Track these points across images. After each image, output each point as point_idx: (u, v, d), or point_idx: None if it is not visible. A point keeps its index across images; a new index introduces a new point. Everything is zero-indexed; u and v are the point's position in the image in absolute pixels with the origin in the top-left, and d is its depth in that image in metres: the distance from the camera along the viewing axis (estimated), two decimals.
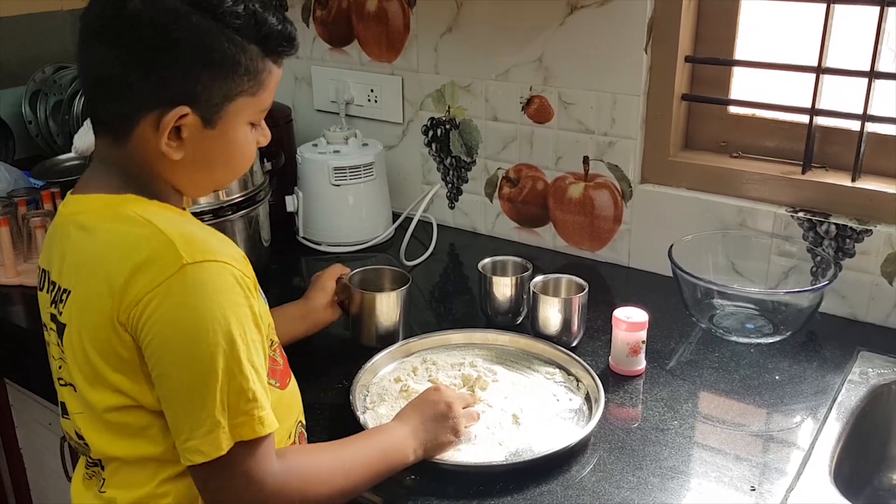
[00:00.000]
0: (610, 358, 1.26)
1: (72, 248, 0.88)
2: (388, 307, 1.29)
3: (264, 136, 0.95)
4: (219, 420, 0.80)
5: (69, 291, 0.86)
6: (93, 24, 0.84)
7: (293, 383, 1.01)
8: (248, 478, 0.83)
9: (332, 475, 0.91)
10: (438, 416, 1.03)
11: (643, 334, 1.22)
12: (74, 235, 0.87)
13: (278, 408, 0.91)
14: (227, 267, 0.82)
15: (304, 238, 1.74)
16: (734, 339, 1.33)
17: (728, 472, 1.03)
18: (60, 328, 0.88)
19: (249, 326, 0.83)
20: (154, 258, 0.80)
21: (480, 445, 1.06)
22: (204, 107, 0.85)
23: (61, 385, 0.93)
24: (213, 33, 0.82)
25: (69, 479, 1.50)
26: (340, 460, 0.93)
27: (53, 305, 0.89)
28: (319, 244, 1.72)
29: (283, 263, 1.68)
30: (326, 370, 1.26)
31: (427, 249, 1.70)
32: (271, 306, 0.99)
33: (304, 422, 1.03)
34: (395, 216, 1.79)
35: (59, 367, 0.91)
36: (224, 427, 0.80)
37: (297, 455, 0.91)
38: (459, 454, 1.04)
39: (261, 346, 0.86)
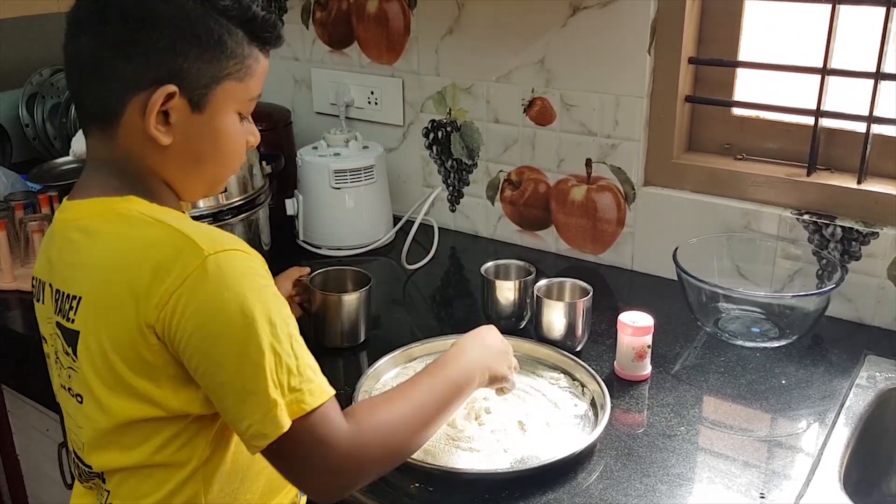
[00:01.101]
0: (615, 363, 1.24)
1: (77, 253, 0.85)
2: (348, 308, 1.30)
3: (253, 136, 0.94)
4: (275, 399, 0.79)
5: (79, 298, 0.84)
6: (77, 17, 0.85)
7: None
8: (322, 443, 0.82)
9: (406, 420, 0.90)
10: (500, 350, 1.07)
11: (649, 339, 1.21)
12: (79, 241, 0.85)
13: None
14: (248, 255, 0.82)
15: (304, 242, 1.73)
16: (740, 343, 1.31)
17: (736, 479, 1.02)
18: (72, 336, 0.86)
19: (281, 305, 0.83)
20: (175, 256, 0.79)
21: (485, 452, 1.04)
22: (191, 88, 0.84)
23: (71, 394, 0.90)
24: (199, 13, 0.83)
25: (66, 485, 1.48)
26: (412, 404, 0.92)
27: (60, 314, 0.87)
28: (320, 248, 1.71)
29: (282, 267, 1.65)
30: (328, 377, 1.24)
31: (428, 253, 1.68)
32: None
33: None
34: (396, 219, 1.78)
35: (69, 377, 0.88)
36: (281, 405, 0.79)
37: (366, 411, 0.89)
38: (464, 461, 1.03)
39: (292, 321, 0.85)
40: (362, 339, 1.33)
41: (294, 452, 0.82)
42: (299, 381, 0.81)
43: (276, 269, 1.68)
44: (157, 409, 0.83)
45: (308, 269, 1.35)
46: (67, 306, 0.86)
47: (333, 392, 0.85)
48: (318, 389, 0.83)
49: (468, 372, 1.00)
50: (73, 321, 0.85)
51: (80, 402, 0.87)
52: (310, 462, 0.82)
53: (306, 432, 0.81)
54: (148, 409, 0.83)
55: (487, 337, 1.08)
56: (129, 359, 0.81)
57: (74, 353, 0.86)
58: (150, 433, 0.84)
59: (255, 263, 0.82)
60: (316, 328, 1.31)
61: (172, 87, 0.82)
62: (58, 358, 0.90)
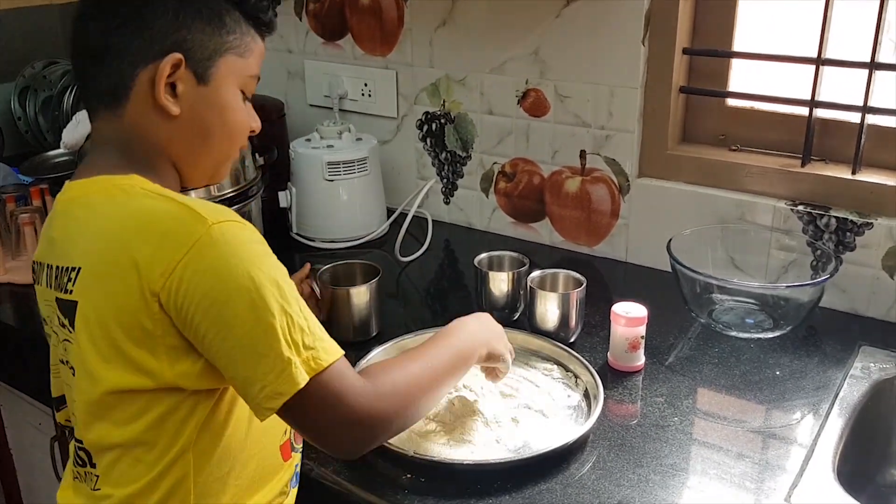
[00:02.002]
0: (608, 354, 1.24)
1: (78, 226, 0.87)
2: (358, 302, 1.29)
3: (255, 120, 0.98)
4: (289, 357, 0.80)
5: (79, 268, 0.85)
6: (83, 8, 0.89)
7: None
8: (339, 396, 0.83)
9: (419, 380, 0.93)
10: (498, 330, 1.11)
11: (642, 329, 1.21)
12: (80, 215, 0.87)
13: None
14: (247, 227, 0.84)
15: (297, 234, 1.72)
16: (734, 334, 1.31)
17: (730, 470, 1.02)
18: (70, 307, 0.86)
19: (284, 272, 0.84)
20: (177, 226, 0.81)
21: (478, 443, 1.04)
22: (196, 59, 0.88)
23: (68, 367, 0.90)
24: None
25: (59, 478, 1.48)
26: (422, 366, 0.95)
27: (58, 289, 0.87)
28: (313, 240, 1.70)
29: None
30: None
31: (422, 245, 1.68)
32: None
33: None
34: (390, 212, 1.78)
35: (66, 349, 0.89)
36: (296, 362, 0.80)
37: (379, 370, 0.91)
38: (457, 452, 1.03)
39: (295, 288, 0.85)
40: (374, 332, 1.32)
41: (311, 408, 0.82)
42: (312, 340, 0.82)
43: None
44: (151, 381, 0.83)
45: (307, 267, 1.34)
46: (66, 279, 0.86)
47: (343, 352, 0.86)
48: (332, 347, 0.84)
49: (471, 344, 1.03)
50: (70, 292, 0.85)
51: (74, 375, 0.87)
52: (328, 416, 0.83)
53: (322, 388, 0.82)
54: (141, 380, 0.83)
55: (485, 318, 1.10)
56: (129, 327, 0.82)
57: (71, 324, 0.86)
58: (142, 408, 0.84)
59: (255, 234, 0.84)
60: (328, 324, 1.28)
61: (178, 56, 0.87)
62: (56, 333, 0.90)
